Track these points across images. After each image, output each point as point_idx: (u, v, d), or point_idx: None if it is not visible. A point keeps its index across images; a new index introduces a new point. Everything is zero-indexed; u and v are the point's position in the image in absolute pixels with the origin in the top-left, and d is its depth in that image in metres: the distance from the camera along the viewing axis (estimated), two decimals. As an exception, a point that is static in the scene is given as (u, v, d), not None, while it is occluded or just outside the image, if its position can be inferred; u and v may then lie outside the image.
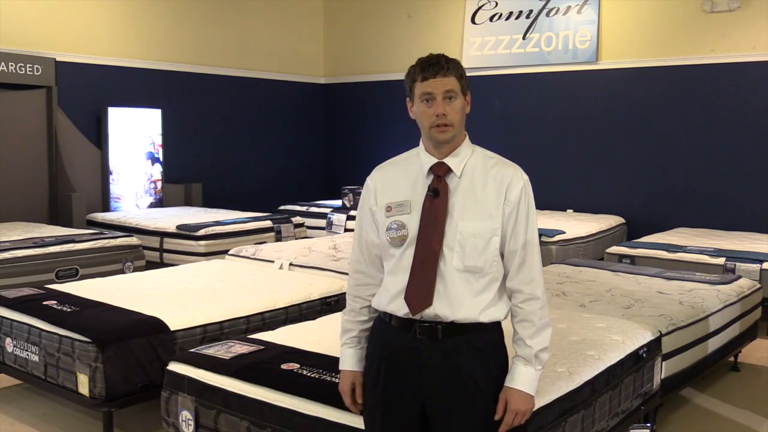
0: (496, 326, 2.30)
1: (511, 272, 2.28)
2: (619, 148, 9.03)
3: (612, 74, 9.03)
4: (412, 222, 2.25)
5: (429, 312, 2.22)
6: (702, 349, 4.42)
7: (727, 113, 8.24)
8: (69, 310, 4.27)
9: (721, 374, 5.13)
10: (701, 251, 6.54)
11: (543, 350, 2.27)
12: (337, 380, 2.96)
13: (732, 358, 5.20)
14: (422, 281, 2.22)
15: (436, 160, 2.28)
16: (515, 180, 2.26)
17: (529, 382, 2.25)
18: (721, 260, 6.28)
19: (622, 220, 8.81)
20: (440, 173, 2.27)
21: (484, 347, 2.25)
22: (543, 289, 2.31)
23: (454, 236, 2.21)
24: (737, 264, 6.18)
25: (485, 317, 2.24)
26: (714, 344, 4.57)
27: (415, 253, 2.24)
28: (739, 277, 5.52)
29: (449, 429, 2.26)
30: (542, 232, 7.29)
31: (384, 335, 2.33)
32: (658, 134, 8.71)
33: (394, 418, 2.31)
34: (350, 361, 2.44)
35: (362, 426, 2.65)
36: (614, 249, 6.96)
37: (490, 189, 2.25)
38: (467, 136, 2.34)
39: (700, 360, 4.42)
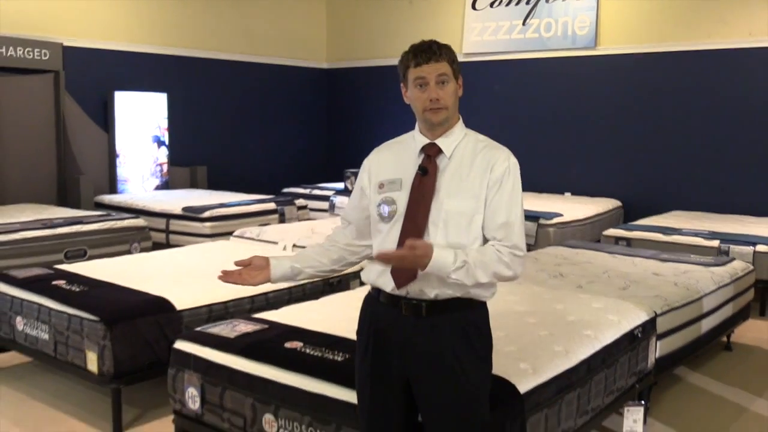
0: (481, 306, 2.31)
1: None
2: (616, 132, 9.00)
3: (610, 60, 8.99)
4: (402, 199, 2.29)
5: (414, 287, 2.24)
6: (696, 329, 4.43)
7: (723, 99, 8.21)
8: (78, 289, 4.29)
9: (714, 353, 5.14)
10: (696, 234, 6.54)
11: (476, 265, 2.16)
12: (339, 359, 2.99)
13: (725, 338, 5.22)
14: None
15: (428, 141, 2.31)
16: (500, 160, 2.27)
17: (443, 254, 2.14)
18: (716, 243, 6.28)
19: (619, 203, 8.80)
20: (431, 153, 2.30)
21: (467, 326, 2.26)
22: (514, 264, 2.22)
23: (439, 213, 2.24)
24: (731, 246, 6.18)
25: (468, 295, 2.25)
26: (707, 324, 4.58)
27: (402, 229, 2.27)
28: (733, 259, 5.54)
29: (432, 404, 2.28)
30: (540, 215, 7.29)
31: (373, 310, 2.36)
32: (655, 119, 8.68)
33: (381, 391, 2.34)
34: (277, 260, 2.52)
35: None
36: (611, 231, 6.96)
37: (477, 170, 2.27)
38: (461, 119, 2.36)
39: (694, 340, 4.43)
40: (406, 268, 2.21)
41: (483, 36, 9.94)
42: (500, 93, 9.80)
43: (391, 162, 2.38)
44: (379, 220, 2.33)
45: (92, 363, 3.87)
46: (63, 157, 8.35)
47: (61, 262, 5.73)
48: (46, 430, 3.92)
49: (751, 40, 7.98)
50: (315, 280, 4.88)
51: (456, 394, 2.25)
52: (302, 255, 2.56)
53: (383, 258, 2.17)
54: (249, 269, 2.51)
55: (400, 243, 2.25)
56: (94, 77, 8.80)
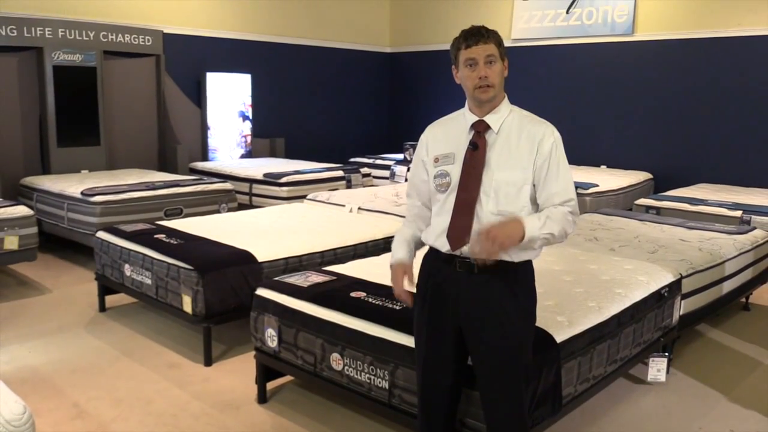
0: (526, 265, 2.27)
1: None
2: (649, 111, 8.71)
3: (645, 46, 8.66)
4: (455, 171, 2.25)
5: (466, 249, 2.21)
6: (717, 291, 4.30)
7: (747, 83, 7.83)
8: (175, 242, 4.39)
9: (733, 312, 5.00)
10: (720, 204, 6.31)
11: (551, 230, 2.14)
12: (397, 307, 2.99)
13: (744, 299, 5.06)
14: (461, 222, 2.22)
15: (477, 118, 2.26)
16: (546, 136, 2.22)
17: (530, 222, 2.12)
18: (738, 213, 6.06)
19: (650, 176, 8.54)
20: (480, 129, 2.25)
21: (514, 282, 2.23)
22: (574, 223, 2.21)
23: (490, 184, 2.19)
24: (753, 216, 5.95)
25: (516, 257, 2.21)
26: (728, 286, 4.45)
27: (456, 198, 2.23)
28: (754, 228, 5.32)
29: (480, 349, 2.27)
30: (578, 185, 7.14)
31: (432, 266, 2.34)
32: (685, 100, 8.35)
33: (436, 336, 2.33)
34: (399, 254, 2.43)
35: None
36: (642, 201, 6.76)
37: (524, 143, 2.21)
38: (506, 97, 2.30)
39: (715, 300, 4.31)
40: (459, 234, 2.20)
41: (530, 23, 9.68)
42: (544, 75, 9.56)
43: (445, 137, 2.33)
44: (436, 191, 2.30)
45: (187, 305, 3.97)
46: (163, 129, 8.50)
47: (161, 219, 5.86)
48: (149, 360, 4.05)
49: (779, 28, 7.59)
50: (376, 238, 4.93)
51: (501, 342, 2.23)
52: (405, 242, 2.46)
53: (479, 249, 2.08)
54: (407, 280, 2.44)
55: (455, 211, 2.23)
56: (189, 60, 8.90)
